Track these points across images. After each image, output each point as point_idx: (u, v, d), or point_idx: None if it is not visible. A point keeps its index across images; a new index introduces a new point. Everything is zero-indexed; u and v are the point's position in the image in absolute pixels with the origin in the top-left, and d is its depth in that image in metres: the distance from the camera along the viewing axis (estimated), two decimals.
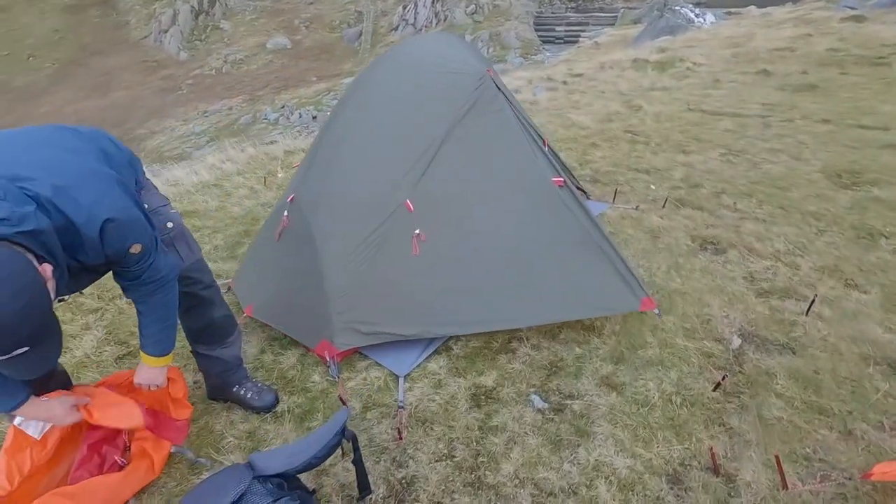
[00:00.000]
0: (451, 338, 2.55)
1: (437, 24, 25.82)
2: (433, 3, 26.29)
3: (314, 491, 1.76)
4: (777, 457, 1.82)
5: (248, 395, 2.20)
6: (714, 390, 2.22)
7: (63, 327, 2.70)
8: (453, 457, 1.98)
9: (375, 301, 2.46)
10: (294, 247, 2.66)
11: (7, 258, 1.18)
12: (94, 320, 2.83)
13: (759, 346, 2.48)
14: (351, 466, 1.76)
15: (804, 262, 3.15)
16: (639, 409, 2.15)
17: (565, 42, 21.47)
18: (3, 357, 1.19)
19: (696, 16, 15.97)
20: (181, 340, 2.18)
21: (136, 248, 1.48)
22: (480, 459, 1.96)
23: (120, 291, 1.75)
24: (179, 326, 1.94)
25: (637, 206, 3.93)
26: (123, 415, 1.76)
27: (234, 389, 2.21)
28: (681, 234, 3.52)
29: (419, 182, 2.51)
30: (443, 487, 1.87)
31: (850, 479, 1.80)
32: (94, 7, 33.47)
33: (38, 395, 1.70)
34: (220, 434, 2.11)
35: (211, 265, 3.45)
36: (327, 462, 1.88)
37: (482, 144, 2.62)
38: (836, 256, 3.20)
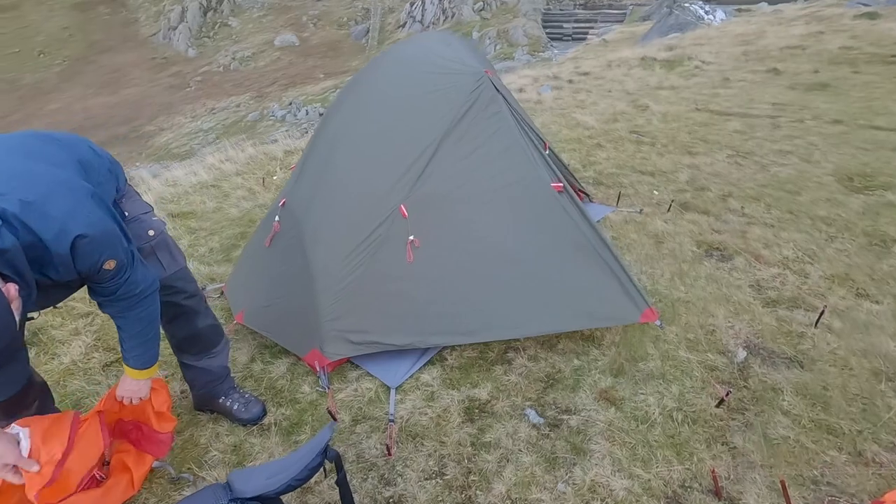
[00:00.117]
0: (445, 347, 2.47)
1: (444, 20, 25.65)
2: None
3: None
4: (783, 482, 1.73)
5: (235, 407, 2.14)
6: (717, 406, 2.13)
7: (52, 332, 2.72)
8: (444, 475, 1.91)
9: (368, 309, 2.39)
10: (285, 252, 2.59)
11: None
12: (83, 325, 2.78)
13: (766, 360, 2.39)
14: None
15: (814, 269, 3.04)
16: (638, 425, 2.07)
17: (573, 39, 21.26)
18: None
19: (706, 13, 15.71)
20: (167, 349, 2.12)
21: (109, 265, 1.41)
22: (472, 478, 1.89)
23: None
24: (164, 335, 1.88)
25: (641, 210, 3.83)
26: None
27: (221, 400, 2.15)
28: (685, 239, 3.42)
29: (414, 186, 2.43)
30: None
31: None
32: (103, 4, 33.63)
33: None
34: (204, 447, 2.04)
35: (206, 268, 3.44)
36: (312, 480, 1.82)
37: (479, 148, 2.53)
38: (846, 264, 3.09)
